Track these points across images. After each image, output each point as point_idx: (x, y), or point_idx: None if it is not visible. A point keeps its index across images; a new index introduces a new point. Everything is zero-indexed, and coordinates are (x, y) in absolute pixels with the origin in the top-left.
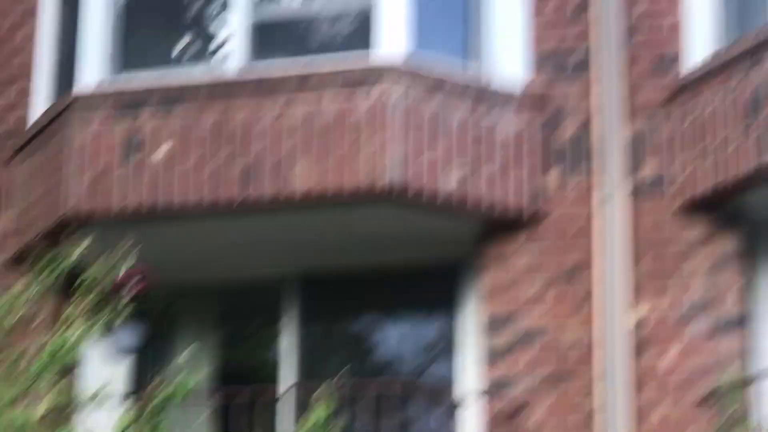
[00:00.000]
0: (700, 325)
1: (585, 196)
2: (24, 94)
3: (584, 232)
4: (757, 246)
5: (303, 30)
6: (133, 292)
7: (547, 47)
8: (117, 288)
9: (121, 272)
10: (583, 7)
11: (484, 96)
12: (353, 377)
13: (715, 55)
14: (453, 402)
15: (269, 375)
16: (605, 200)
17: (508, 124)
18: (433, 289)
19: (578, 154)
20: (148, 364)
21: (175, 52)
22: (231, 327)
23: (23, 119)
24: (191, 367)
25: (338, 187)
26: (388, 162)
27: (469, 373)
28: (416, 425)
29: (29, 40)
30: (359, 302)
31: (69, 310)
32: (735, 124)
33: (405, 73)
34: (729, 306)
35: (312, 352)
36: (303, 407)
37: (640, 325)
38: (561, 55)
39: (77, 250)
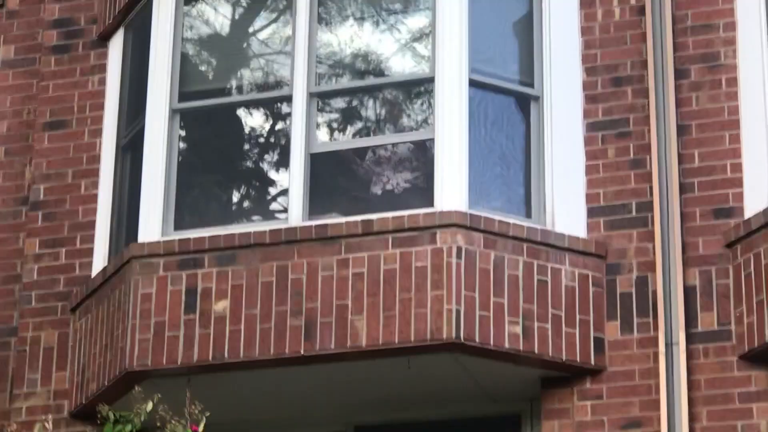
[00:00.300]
0: None
1: (645, 348)
2: (89, 243)
3: (644, 385)
4: None
5: (361, 182)
6: None
7: (605, 198)
8: None
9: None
10: (642, 158)
11: (542, 248)
12: None
13: None
14: None
15: None
16: (665, 353)
17: (567, 276)
18: None
19: (637, 306)
20: None
21: (232, 207)
22: None
23: (88, 268)
24: None
25: (400, 338)
26: (449, 314)
27: None
28: None
29: (93, 188)
30: None
31: None
32: None
33: (465, 226)
34: None
35: None
36: None
37: None
38: (620, 207)
39: (144, 408)
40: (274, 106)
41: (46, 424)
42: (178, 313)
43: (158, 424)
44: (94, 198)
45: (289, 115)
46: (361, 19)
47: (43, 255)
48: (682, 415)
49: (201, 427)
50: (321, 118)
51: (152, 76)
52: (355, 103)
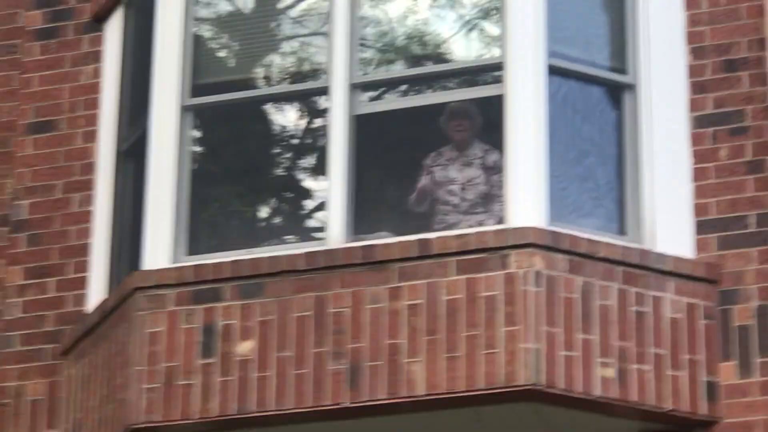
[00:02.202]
0: None
1: (767, 394)
2: (83, 271)
3: None
4: None
5: (418, 198)
6: None
7: (718, 210)
8: None
9: None
10: (761, 160)
11: (640, 272)
12: None
13: None
14: None
15: None
16: None
17: (671, 306)
18: None
19: (760, 342)
20: None
21: (258, 225)
22: None
23: (83, 302)
24: None
25: (466, 385)
26: (527, 355)
27: None
28: None
29: (88, 204)
30: None
31: None
32: None
33: (544, 246)
34: None
35: None
36: None
37: None
38: (735, 220)
39: None
40: (309, 100)
41: None
42: (193, 357)
43: None
44: (88, 216)
45: (327, 111)
46: None
47: (29, 286)
48: None
49: None
50: (366, 115)
51: (158, 65)
52: (408, 95)
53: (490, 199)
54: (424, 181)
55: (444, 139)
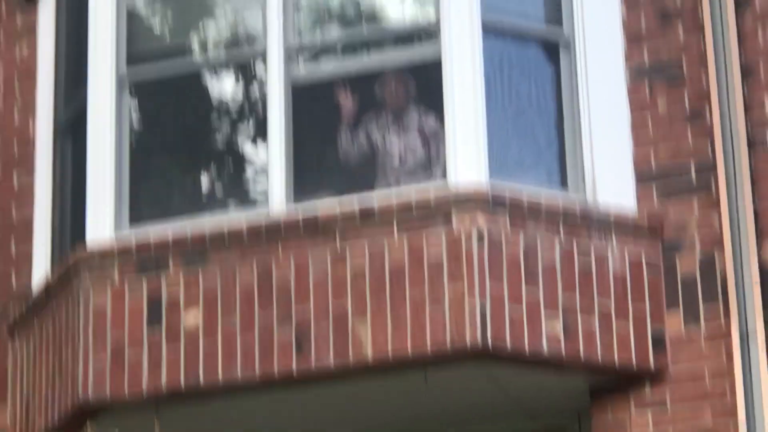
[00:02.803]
0: None
1: (715, 342)
2: (26, 246)
3: (718, 387)
4: None
5: (356, 156)
6: None
7: (657, 160)
8: None
9: None
10: (699, 109)
11: (583, 226)
12: None
13: None
14: None
15: None
16: (740, 346)
17: (615, 259)
18: None
19: (704, 292)
20: None
21: (199, 194)
22: None
23: (27, 277)
24: None
25: (413, 347)
26: (473, 313)
27: None
28: None
29: (28, 179)
30: None
31: None
32: None
33: (486, 203)
34: None
35: None
36: None
37: None
38: (675, 170)
39: None
40: (246, 67)
41: None
42: (139, 329)
43: None
44: (29, 191)
45: (264, 77)
46: None
47: None
48: (765, 419)
49: None
50: (302, 79)
51: (93, 38)
52: (344, 57)
53: (430, 161)
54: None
55: (382, 103)
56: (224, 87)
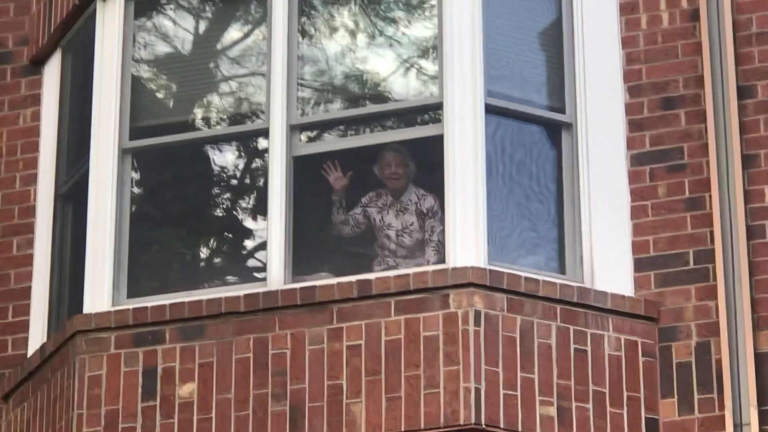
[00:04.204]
0: None
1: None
2: (23, 314)
3: None
4: None
5: (356, 239)
6: None
7: (656, 247)
8: None
9: None
10: (700, 197)
11: (580, 310)
12: None
13: None
14: None
15: None
16: None
17: (611, 343)
18: None
19: (698, 380)
20: None
21: (198, 267)
22: None
23: (23, 346)
24: None
25: (407, 426)
26: (467, 394)
27: None
28: None
29: (28, 248)
30: None
31: None
32: None
33: (484, 285)
34: None
35: None
36: None
37: None
38: (674, 257)
39: None
40: (248, 141)
41: None
42: (134, 400)
43: None
44: (29, 259)
45: (266, 152)
46: (353, 31)
47: None
48: None
49: None
50: (304, 155)
51: (97, 107)
52: (346, 135)
53: (427, 243)
54: (356, 215)
55: (382, 182)
56: (226, 161)
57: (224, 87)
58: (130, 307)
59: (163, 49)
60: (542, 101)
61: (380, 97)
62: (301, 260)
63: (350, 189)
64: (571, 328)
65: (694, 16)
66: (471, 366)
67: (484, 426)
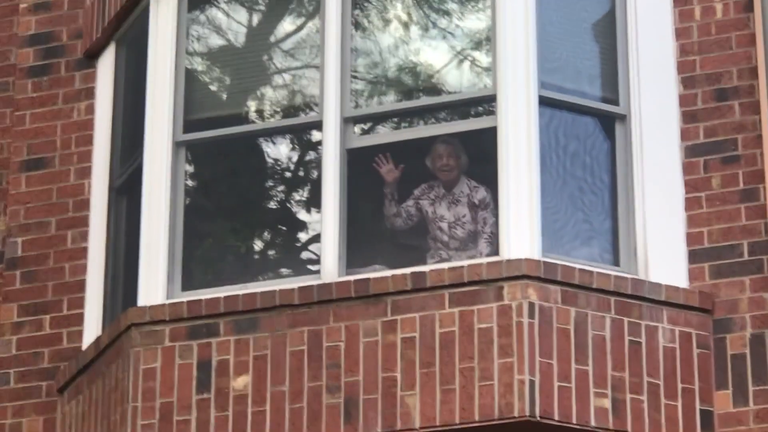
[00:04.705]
0: None
1: (764, 423)
2: (78, 308)
3: None
4: None
5: (409, 232)
6: None
7: (710, 239)
8: None
9: None
10: (754, 188)
11: (634, 302)
12: None
13: None
14: None
15: None
16: None
17: (665, 335)
18: None
19: (753, 371)
20: None
21: (252, 260)
22: None
23: (78, 339)
24: None
25: (462, 417)
26: (521, 386)
27: None
28: None
29: (82, 241)
30: None
31: None
32: None
33: (538, 277)
34: None
35: None
36: None
37: None
38: (728, 249)
39: None
40: (301, 133)
41: None
42: (188, 393)
43: None
44: (83, 253)
45: (319, 144)
46: (406, 24)
47: (23, 324)
48: None
49: None
50: (358, 149)
51: (151, 101)
52: (399, 128)
53: (479, 235)
54: (408, 207)
55: (436, 174)
56: (280, 153)
57: (278, 79)
58: (185, 300)
59: (216, 42)
60: (596, 93)
61: (434, 90)
62: (354, 253)
63: (403, 181)
64: (625, 320)
65: (748, 6)
66: (525, 358)
67: (538, 418)
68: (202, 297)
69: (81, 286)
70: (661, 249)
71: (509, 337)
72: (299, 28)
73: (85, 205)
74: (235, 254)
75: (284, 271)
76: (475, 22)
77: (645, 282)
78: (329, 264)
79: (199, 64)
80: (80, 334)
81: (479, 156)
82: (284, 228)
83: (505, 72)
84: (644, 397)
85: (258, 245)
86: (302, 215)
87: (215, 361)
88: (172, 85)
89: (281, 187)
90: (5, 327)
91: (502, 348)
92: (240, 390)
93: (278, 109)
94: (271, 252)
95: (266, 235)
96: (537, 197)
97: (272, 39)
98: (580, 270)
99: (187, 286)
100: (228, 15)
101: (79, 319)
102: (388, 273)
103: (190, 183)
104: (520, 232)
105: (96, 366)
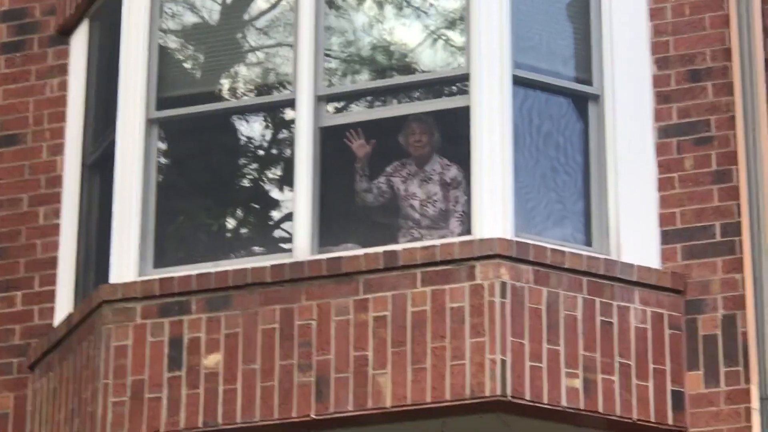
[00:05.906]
0: None
1: (734, 404)
2: (50, 284)
3: None
4: None
5: (382, 206)
6: None
7: (683, 220)
8: None
9: None
10: (726, 170)
11: (606, 282)
12: None
13: None
14: None
15: None
16: (760, 409)
17: (637, 316)
18: None
19: (725, 352)
20: None
21: (224, 238)
22: None
23: (50, 315)
24: None
25: (433, 397)
26: (493, 366)
27: None
28: None
29: (54, 217)
30: None
31: None
32: None
33: (510, 257)
34: None
35: None
36: None
37: None
38: (700, 230)
39: None
40: (275, 111)
41: None
42: (160, 370)
43: None
44: (55, 229)
45: (293, 122)
46: (380, 2)
47: None
48: None
49: None
50: (331, 127)
51: (124, 78)
52: (373, 107)
53: (451, 214)
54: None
55: (408, 152)
56: (253, 131)
57: (251, 57)
58: (157, 277)
59: (190, 19)
60: (569, 73)
61: (407, 68)
62: (327, 231)
63: (376, 159)
64: (597, 300)
65: None
66: (497, 338)
67: (510, 398)
68: (174, 275)
69: (53, 262)
70: (634, 229)
71: (481, 317)
72: (273, 6)
73: (57, 181)
74: (208, 232)
75: (256, 249)
76: (449, 1)
77: (617, 262)
78: (302, 242)
79: (172, 42)
80: (52, 310)
81: (452, 135)
82: (257, 206)
83: (479, 51)
84: (616, 378)
85: (230, 223)
86: (275, 193)
87: (187, 338)
88: (146, 63)
89: (254, 165)
90: None
91: (473, 327)
92: (211, 368)
93: (251, 87)
94: (243, 230)
95: (239, 213)
96: (510, 177)
97: (246, 17)
98: (553, 250)
99: (159, 263)
100: None
101: (50, 295)
102: (361, 251)
103: (162, 160)
104: (493, 212)
105: (67, 343)
